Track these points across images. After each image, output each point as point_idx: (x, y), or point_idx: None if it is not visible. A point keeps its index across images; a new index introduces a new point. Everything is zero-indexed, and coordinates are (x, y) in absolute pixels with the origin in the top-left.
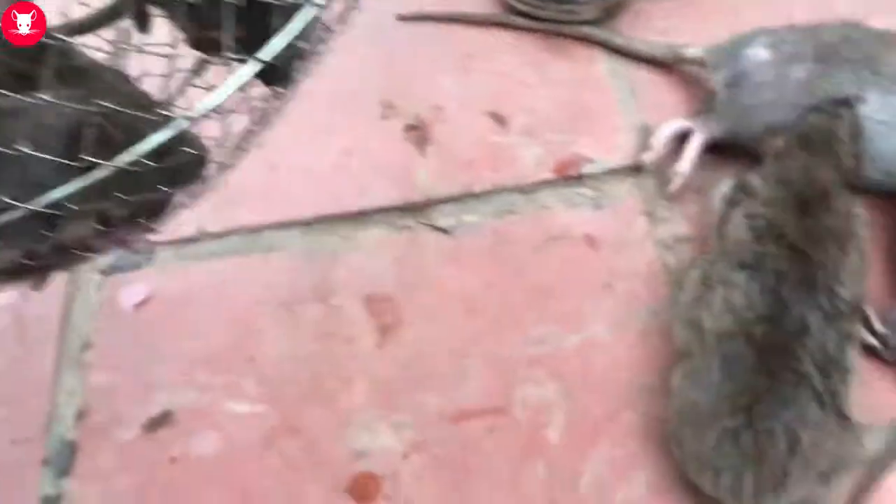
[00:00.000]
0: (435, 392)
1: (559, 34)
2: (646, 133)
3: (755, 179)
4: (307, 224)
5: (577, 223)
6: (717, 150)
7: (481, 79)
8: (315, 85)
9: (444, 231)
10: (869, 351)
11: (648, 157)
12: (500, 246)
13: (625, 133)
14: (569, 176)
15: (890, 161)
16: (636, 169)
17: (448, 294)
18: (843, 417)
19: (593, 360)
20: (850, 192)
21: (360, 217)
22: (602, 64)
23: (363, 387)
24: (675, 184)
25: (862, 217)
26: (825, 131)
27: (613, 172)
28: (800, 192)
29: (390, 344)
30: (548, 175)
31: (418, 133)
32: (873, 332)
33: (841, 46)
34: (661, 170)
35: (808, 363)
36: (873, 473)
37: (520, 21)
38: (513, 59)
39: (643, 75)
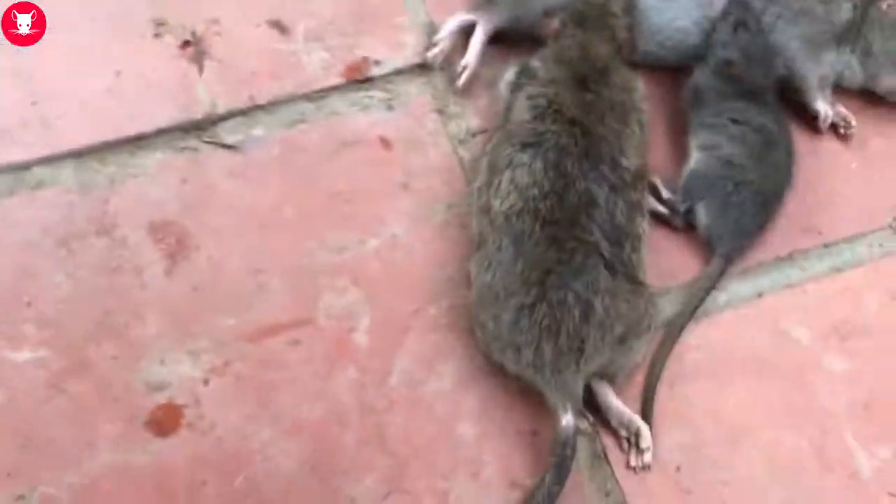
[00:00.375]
0: (232, 313)
1: None
2: (432, 30)
3: (536, 62)
4: (79, 155)
5: (370, 126)
6: (504, 40)
7: None
8: (76, 5)
9: (230, 147)
10: (659, 218)
11: (433, 54)
12: (292, 156)
13: (411, 31)
14: (357, 79)
15: (665, 34)
16: (424, 67)
17: (240, 211)
18: (635, 283)
19: (395, 261)
20: (629, 67)
21: (137, 142)
22: None
23: (155, 317)
24: (463, 78)
25: (641, 90)
26: (598, 7)
27: (402, 72)
28: (577, 69)
29: (181, 270)
30: (336, 80)
31: (195, 48)
32: (661, 200)
33: None
34: (450, 65)
35: (596, 233)
36: (670, 334)
37: None
38: None
39: None
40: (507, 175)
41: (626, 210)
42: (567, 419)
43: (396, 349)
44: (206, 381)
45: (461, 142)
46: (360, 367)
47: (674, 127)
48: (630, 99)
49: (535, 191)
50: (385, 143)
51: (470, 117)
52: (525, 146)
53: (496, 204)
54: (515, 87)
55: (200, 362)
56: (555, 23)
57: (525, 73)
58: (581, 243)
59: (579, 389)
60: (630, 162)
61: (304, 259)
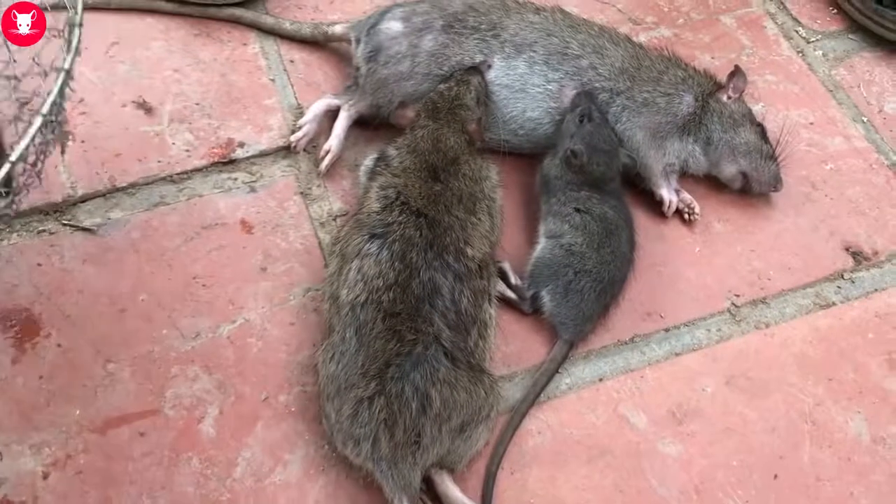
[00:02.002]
0: (79, 403)
1: (208, 17)
2: (299, 113)
3: (392, 150)
4: None
5: (232, 209)
6: (370, 124)
7: (127, 67)
8: None
9: (88, 230)
10: (508, 303)
11: (297, 137)
12: (150, 240)
13: (278, 114)
14: (221, 161)
15: (517, 122)
16: (289, 149)
17: (94, 297)
18: (477, 371)
19: (249, 346)
20: (483, 157)
21: None
22: (253, 45)
23: None
24: (326, 161)
25: (494, 179)
26: (450, 98)
27: (266, 154)
28: (428, 159)
29: (28, 358)
30: (200, 162)
31: (58, 129)
32: (510, 286)
33: (467, 15)
34: (314, 148)
35: (437, 322)
36: (513, 420)
37: (167, 6)
38: (161, 45)
39: (296, 55)
40: (355, 264)
41: (471, 297)
42: None
43: (244, 439)
44: (45, 476)
45: (322, 224)
46: (205, 458)
47: (529, 212)
48: (479, 189)
49: (380, 282)
50: (246, 225)
51: (333, 200)
52: (373, 237)
53: (343, 294)
54: (372, 174)
55: (42, 455)
56: (410, 112)
57: (382, 161)
58: (421, 334)
59: (416, 481)
60: (476, 250)
61: (157, 346)
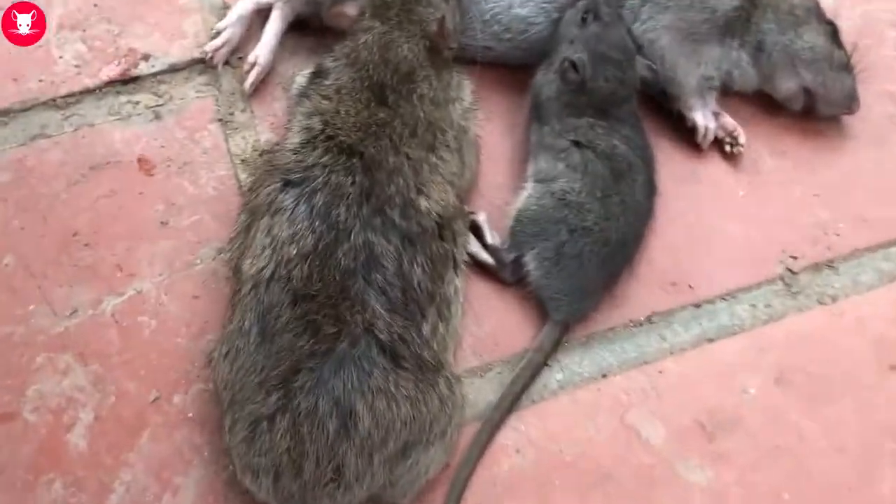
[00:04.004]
0: None
1: None
2: (222, 14)
3: (329, 62)
4: None
5: (129, 142)
6: (313, 29)
7: None
8: None
9: None
10: (483, 269)
11: (215, 46)
12: (23, 184)
13: (195, 15)
14: (120, 80)
15: (502, 23)
16: (205, 63)
17: None
18: (427, 370)
19: (139, 327)
20: (453, 70)
21: None
22: None
23: None
24: (252, 76)
25: (468, 100)
26: None
27: (178, 70)
28: (372, 75)
29: None
30: (92, 81)
31: None
32: (486, 247)
33: None
34: (239, 61)
35: (373, 306)
36: (482, 432)
37: None
38: None
39: None
40: (263, 224)
41: (428, 266)
42: None
43: (123, 454)
44: None
45: (245, 162)
46: (71, 481)
47: (517, 145)
48: (444, 115)
49: (293, 249)
50: (145, 164)
51: (261, 129)
52: (288, 184)
53: (246, 265)
54: (302, 95)
55: None
56: (351, 9)
57: (317, 77)
58: (346, 324)
59: None
60: (434, 202)
61: (20, 328)
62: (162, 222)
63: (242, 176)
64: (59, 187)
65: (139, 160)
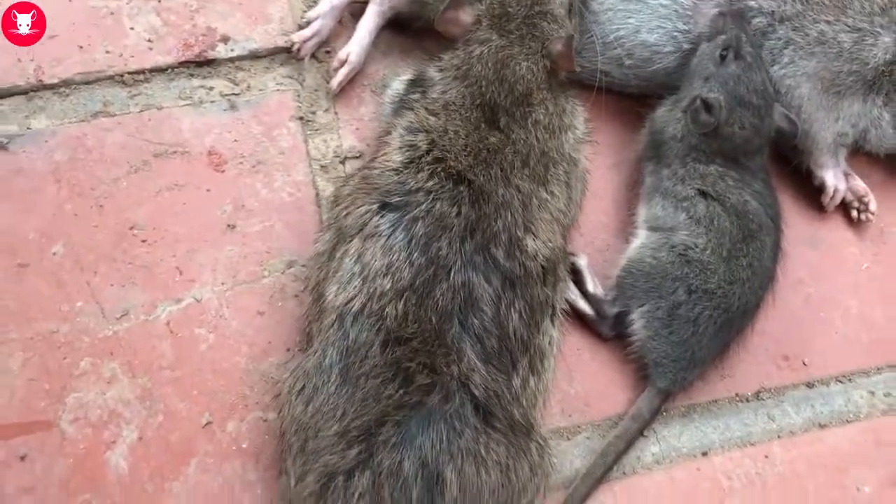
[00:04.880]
0: None
1: None
2: (310, 1)
3: (433, 72)
4: None
5: (199, 131)
6: (412, 30)
7: None
8: None
9: None
10: (579, 319)
11: (303, 37)
12: (80, 166)
13: (282, 0)
14: (195, 61)
15: (624, 46)
16: (290, 53)
17: None
18: (519, 432)
19: (195, 340)
20: (567, 95)
21: None
22: None
23: None
24: (340, 75)
25: (580, 131)
26: (528, 2)
27: (259, 57)
28: (486, 93)
29: None
30: (165, 59)
31: None
32: (586, 295)
33: None
34: (327, 55)
35: (468, 356)
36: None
37: None
38: None
39: None
40: (353, 247)
41: (526, 313)
42: None
43: (167, 483)
44: None
45: (325, 168)
46: None
47: (626, 185)
48: (558, 145)
49: (387, 282)
50: (215, 158)
51: (344, 133)
52: (386, 207)
53: (331, 292)
54: (401, 104)
55: None
56: (466, 16)
57: (418, 86)
58: (441, 375)
59: None
60: (541, 243)
61: (64, 325)
62: (229, 225)
63: (321, 183)
64: (120, 173)
65: (209, 153)
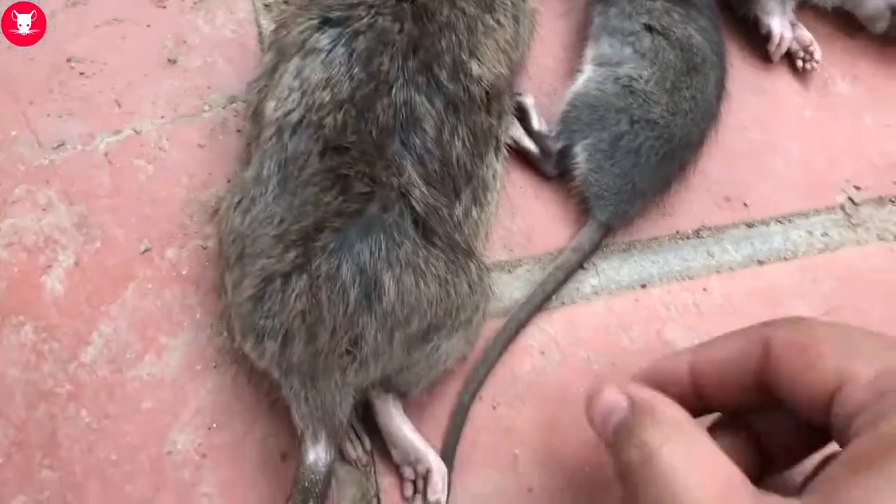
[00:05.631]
0: None
1: None
2: None
3: None
4: None
5: None
6: None
7: None
8: None
9: None
10: (522, 157)
11: None
12: None
13: None
14: None
15: None
16: None
17: None
18: (459, 252)
19: (134, 171)
20: None
21: None
22: None
23: None
24: None
25: None
26: None
27: None
28: None
29: None
30: None
31: None
32: (531, 132)
33: None
34: None
35: (409, 170)
36: (507, 329)
37: None
38: None
39: None
40: (293, 64)
41: (470, 139)
42: (316, 453)
43: (105, 305)
44: None
45: (267, 7)
46: (43, 325)
47: (572, 24)
48: None
49: (327, 94)
50: None
51: None
52: (326, 23)
53: (270, 107)
54: None
55: None
56: None
57: None
58: (380, 185)
59: (342, 408)
60: (486, 69)
61: None
62: (169, 60)
63: (263, 22)
64: (56, 6)
65: None
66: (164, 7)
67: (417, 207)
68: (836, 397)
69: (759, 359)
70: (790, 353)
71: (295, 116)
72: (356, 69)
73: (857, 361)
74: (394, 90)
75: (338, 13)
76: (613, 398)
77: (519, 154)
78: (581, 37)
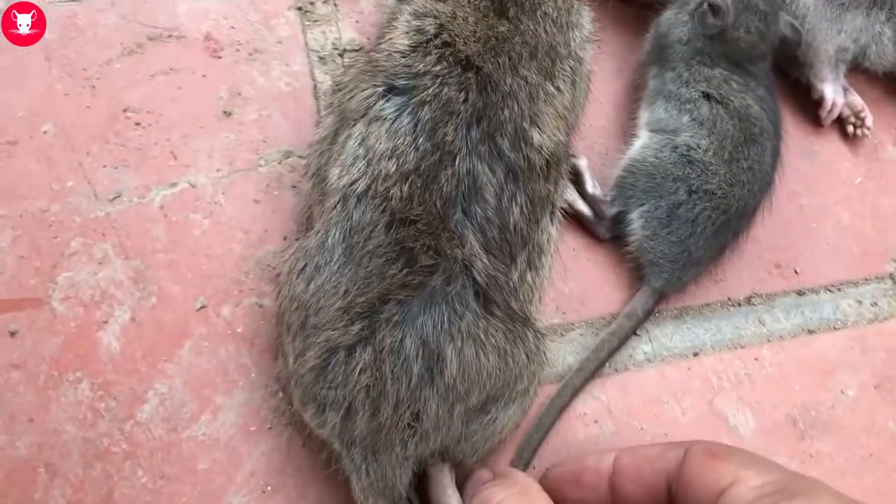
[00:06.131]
0: None
1: None
2: None
3: None
4: None
5: (196, 15)
6: None
7: None
8: None
9: None
10: (576, 221)
11: None
12: (71, 45)
13: None
14: None
15: None
16: None
17: None
18: (517, 321)
19: (189, 225)
20: None
21: None
22: None
23: None
24: None
25: (588, 28)
26: None
27: None
28: None
29: None
30: None
31: None
32: (585, 196)
33: None
34: None
35: (471, 241)
36: (560, 396)
37: None
38: None
39: None
40: (357, 130)
41: (527, 207)
42: None
43: (160, 364)
44: None
45: (323, 60)
46: (100, 383)
47: (627, 88)
48: (565, 40)
49: (392, 165)
50: (211, 44)
51: (344, 25)
52: (392, 91)
53: (334, 174)
54: None
55: None
56: None
57: None
58: (444, 258)
59: (402, 481)
60: (546, 137)
61: (55, 205)
62: (225, 112)
63: (318, 75)
64: (112, 55)
65: (205, 38)
66: (220, 57)
67: (479, 278)
68: (724, 493)
69: (676, 459)
70: (702, 455)
71: (361, 186)
72: (421, 139)
73: (752, 470)
74: (457, 160)
75: (403, 81)
76: (485, 475)
77: (572, 218)
78: (634, 98)
